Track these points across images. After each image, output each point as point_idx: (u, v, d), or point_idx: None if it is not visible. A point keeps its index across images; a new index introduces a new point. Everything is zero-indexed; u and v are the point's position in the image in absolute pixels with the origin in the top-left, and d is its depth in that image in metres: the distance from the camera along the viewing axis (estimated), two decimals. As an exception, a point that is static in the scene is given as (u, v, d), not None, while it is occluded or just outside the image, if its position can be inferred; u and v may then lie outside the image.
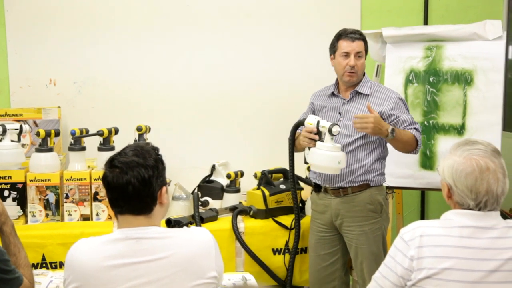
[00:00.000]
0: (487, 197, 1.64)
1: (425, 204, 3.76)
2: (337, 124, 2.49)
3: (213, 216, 2.91)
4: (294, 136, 2.72)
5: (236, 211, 2.92)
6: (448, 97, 3.13)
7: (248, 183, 3.19)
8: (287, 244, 2.89)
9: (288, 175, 2.84)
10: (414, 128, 2.65)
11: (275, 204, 2.98)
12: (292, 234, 2.88)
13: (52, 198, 2.85)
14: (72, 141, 2.96)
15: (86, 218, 2.89)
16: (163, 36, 3.49)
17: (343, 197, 2.68)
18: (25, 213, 2.85)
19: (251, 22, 3.54)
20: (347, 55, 2.64)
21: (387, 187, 2.78)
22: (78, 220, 2.88)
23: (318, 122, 2.53)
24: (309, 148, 2.56)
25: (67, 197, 2.87)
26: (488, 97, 3.05)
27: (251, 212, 2.96)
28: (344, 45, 2.64)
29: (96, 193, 2.88)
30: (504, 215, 2.27)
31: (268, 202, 2.95)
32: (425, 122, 3.16)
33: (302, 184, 3.10)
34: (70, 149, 2.97)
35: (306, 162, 2.65)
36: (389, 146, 2.72)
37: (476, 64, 3.07)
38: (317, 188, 2.77)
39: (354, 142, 2.65)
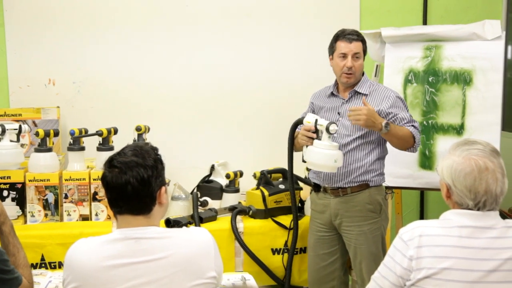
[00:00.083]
0: (486, 197, 1.64)
1: (424, 204, 3.76)
2: (334, 123, 2.49)
3: (212, 216, 2.91)
4: (294, 134, 2.72)
5: (235, 211, 2.92)
6: (447, 97, 3.13)
7: (247, 183, 3.19)
8: (286, 244, 2.89)
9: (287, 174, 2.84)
10: (412, 125, 2.65)
11: (274, 204, 2.98)
12: (291, 234, 2.88)
13: (51, 198, 2.85)
14: (71, 141, 2.95)
15: (85, 218, 2.89)
16: (162, 36, 3.49)
17: (342, 197, 2.68)
18: (24, 213, 2.85)
19: (251, 22, 3.54)
20: (344, 56, 2.65)
21: (386, 187, 2.78)
22: (77, 220, 2.88)
23: (316, 120, 2.54)
24: (306, 146, 2.56)
25: (66, 197, 2.87)
26: (487, 97, 3.05)
27: (250, 212, 2.96)
28: (342, 46, 2.65)
29: (95, 193, 2.88)
30: (503, 215, 2.27)
31: (267, 202, 2.95)
32: (424, 122, 3.16)
33: (301, 184, 3.10)
34: (69, 149, 2.97)
35: (304, 161, 2.65)
36: (388, 146, 2.72)
37: (475, 64, 3.07)
38: (316, 188, 2.77)
39: (353, 141, 2.65)
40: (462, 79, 3.10)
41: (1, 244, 1.86)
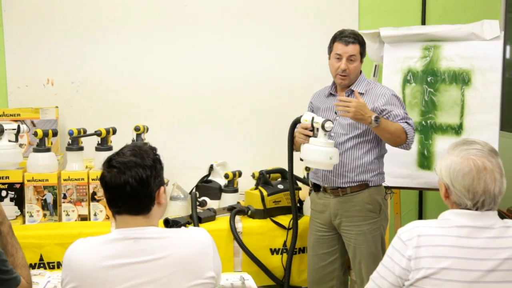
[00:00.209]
0: (484, 197, 1.64)
1: (423, 204, 3.76)
2: (330, 120, 2.50)
3: (211, 216, 2.91)
4: (293, 133, 2.72)
5: (234, 211, 2.92)
6: (445, 97, 3.14)
7: (246, 183, 3.19)
8: (285, 244, 2.90)
9: (286, 175, 2.84)
10: (406, 122, 2.62)
11: (273, 204, 2.98)
12: (290, 234, 2.88)
13: (49, 198, 2.85)
14: (70, 141, 2.95)
15: (84, 218, 2.89)
16: (162, 36, 3.49)
17: (342, 197, 2.68)
18: (22, 213, 2.85)
19: (251, 22, 3.55)
20: (339, 57, 2.65)
21: (386, 187, 2.78)
22: (76, 220, 2.88)
23: (312, 118, 2.55)
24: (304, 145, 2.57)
25: (64, 197, 2.87)
26: (486, 97, 3.05)
27: (249, 212, 2.96)
28: (338, 48, 2.65)
29: (94, 193, 2.88)
30: (502, 215, 2.27)
31: (266, 202, 2.95)
32: (423, 122, 3.17)
33: (300, 184, 3.10)
34: (68, 149, 2.96)
35: (301, 159, 2.65)
36: (388, 146, 2.72)
37: (473, 64, 3.08)
38: (316, 188, 2.77)
39: (350, 140, 2.65)
40: (461, 79, 3.11)
41: (0, 244, 1.86)
